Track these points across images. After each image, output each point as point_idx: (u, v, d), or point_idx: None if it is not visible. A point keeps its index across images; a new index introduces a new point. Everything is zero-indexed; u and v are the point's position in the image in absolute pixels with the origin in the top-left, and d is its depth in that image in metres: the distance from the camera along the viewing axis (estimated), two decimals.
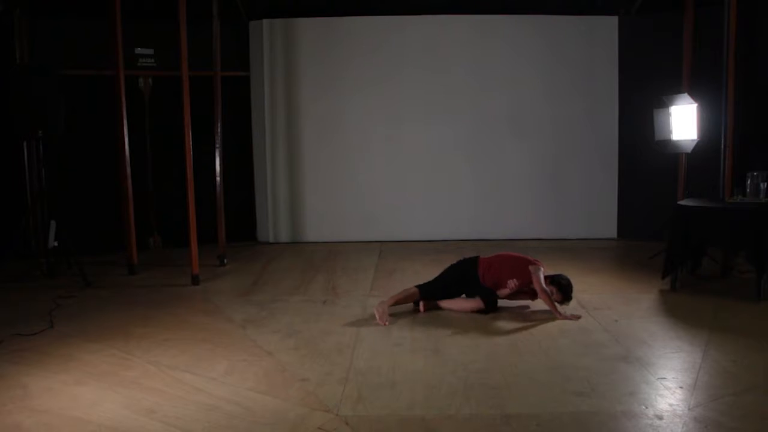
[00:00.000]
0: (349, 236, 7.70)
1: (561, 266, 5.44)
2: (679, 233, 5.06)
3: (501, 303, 4.63)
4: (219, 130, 6.58)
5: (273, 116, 7.69)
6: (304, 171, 7.75)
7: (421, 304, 4.63)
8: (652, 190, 7.28)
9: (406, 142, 7.69)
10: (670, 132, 6.25)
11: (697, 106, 5.98)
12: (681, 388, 3.17)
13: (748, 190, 5.16)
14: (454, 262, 4.87)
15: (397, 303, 4.57)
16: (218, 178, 6.57)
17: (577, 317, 4.38)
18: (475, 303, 4.55)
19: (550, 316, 4.39)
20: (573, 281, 4.55)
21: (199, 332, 4.22)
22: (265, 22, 7.58)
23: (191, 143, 5.60)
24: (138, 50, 7.08)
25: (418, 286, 4.69)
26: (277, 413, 2.96)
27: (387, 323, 4.32)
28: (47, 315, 4.58)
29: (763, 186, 5.04)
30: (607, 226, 7.65)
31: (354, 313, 4.64)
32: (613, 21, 7.52)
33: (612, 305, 4.65)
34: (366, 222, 7.72)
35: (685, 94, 6.17)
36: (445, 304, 4.66)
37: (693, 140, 6.03)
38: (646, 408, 2.95)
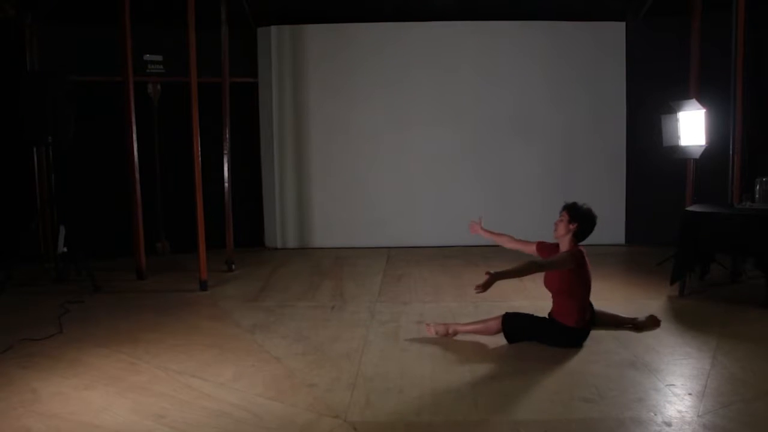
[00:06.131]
0: (356, 242, 7.71)
1: None
2: (687, 239, 5.04)
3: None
4: (227, 135, 6.62)
5: (281, 122, 7.72)
6: (312, 176, 7.77)
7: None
8: (660, 195, 7.26)
9: (413, 147, 7.70)
10: (678, 138, 6.24)
11: (706, 112, 5.96)
12: (690, 394, 3.16)
13: (756, 195, 5.14)
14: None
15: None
16: (226, 184, 6.60)
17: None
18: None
19: None
20: None
21: (207, 337, 4.24)
22: (273, 28, 7.62)
23: (200, 149, 5.63)
24: (147, 56, 7.12)
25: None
26: (285, 419, 2.96)
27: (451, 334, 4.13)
28: (56, 320, 4.61)
29: None
30: (615, 232, 7.62)
31: (362, 318, 4.64)
32: (620, 26, 7.52)
33: (620, 311, 4.62)
34: (374, 227, 7.73)
35: (693, 100, 6.15)
36: None
37: (701, 146, 6.00)
38: (655, 415, 2.94)
